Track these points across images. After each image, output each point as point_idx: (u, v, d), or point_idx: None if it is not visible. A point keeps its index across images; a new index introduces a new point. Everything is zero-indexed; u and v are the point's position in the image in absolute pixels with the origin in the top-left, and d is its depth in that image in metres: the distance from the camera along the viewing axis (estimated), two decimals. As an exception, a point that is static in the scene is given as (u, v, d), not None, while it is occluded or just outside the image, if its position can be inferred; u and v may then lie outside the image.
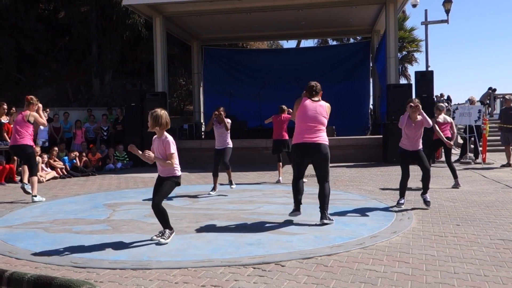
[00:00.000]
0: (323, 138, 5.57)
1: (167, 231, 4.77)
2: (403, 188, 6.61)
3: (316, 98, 5.65)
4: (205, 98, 19.06)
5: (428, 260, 4.03)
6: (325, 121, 5.63)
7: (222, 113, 8.05)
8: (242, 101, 17.23)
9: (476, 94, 16.37)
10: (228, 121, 8.07)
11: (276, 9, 14.64)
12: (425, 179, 6.49)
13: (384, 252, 4.29)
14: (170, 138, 4.73)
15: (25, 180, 7.91)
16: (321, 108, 5.61)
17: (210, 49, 19.34)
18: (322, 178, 5.63)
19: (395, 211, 6.19)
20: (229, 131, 8.10)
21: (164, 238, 4.70)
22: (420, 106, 6.48)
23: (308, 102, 5.62)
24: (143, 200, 7.56)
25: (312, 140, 5.51)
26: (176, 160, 4.74)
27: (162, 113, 4.70)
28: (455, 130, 8.77)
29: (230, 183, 8.20)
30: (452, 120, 8.87)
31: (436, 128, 8.46)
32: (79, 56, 20.27)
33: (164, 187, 4.72)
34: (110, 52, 19.72)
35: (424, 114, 6.43)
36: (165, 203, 7.10)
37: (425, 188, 6.51)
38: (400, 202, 6.55)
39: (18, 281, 1.51)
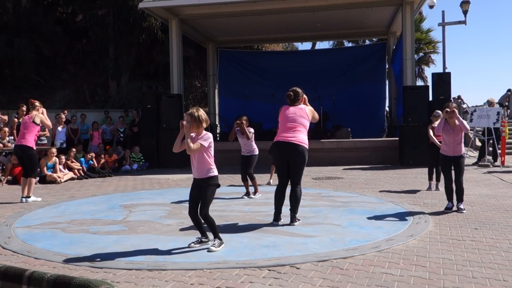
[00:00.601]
0: (300, 139, 5.57)
1: (217, 240, 4.60)
2: (448, 192, 6.52)
3: (296, 104, 5.74)
4: (220, 100, 19.13)
5: (446, 264, 3.98)
6: (305, 122, 5.65)
7: (244, 122, 7.88)
8: (257, 103, 17.23)
9: (495, 96, 16.16)
10: (250, 130, 7.94)
11: (292, 11, 14.62)
12: (457, 192, 6.43)
13: (400, 255, 4.26)
14: (210, 135, 4.59)
15: (25, 194, 7.90)
16: (300, 110, 5.68)
17: (225, 51, 19.40)
18: (294, 181, 5.65)
19: (411, 213, 6.13)
20: (253, 139, 7.99)
21: (215, 246, 4.53)
22: (457, 111, 6.37)
23: (286, 106, 5.80)
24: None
25: (288, 139, 5.57)
26: (211, 160, 4.58)
27: (201, 112, 4.53)
28: None
29: (254, 192, 7.99)
30: None
31: (429, 133, 8.37)
32: (96, 59, 20.54)
33: (206, 194, 4.53)
34: (127, 54, 19.93)
35: (461, 119, 6.30)
36: (180, 205, 7.16)
37: (458, 199, 6.45)
38: (448, 206, 6.48)
39: (38, 281, 1.53)
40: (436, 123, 8.54)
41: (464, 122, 6.33)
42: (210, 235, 4.70)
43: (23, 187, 7.91)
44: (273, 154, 5.89)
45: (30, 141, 7.84)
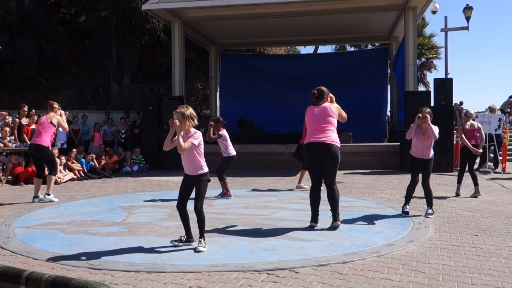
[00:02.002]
0: (331, 138, 5.53)
1: (203, 240, 4.68)
2: (409, 193, 6.59)
3: (321, 103, 5.69)
4: (222, 102, 19.15)
5: (445, 270, 3.97)
6: (332, 120, 5.62)
7: (213, 124, 8.15)
8: (258, 106, 17.25)
9: (496, 102, 16.12)
10: (221, 133, 8.09)
11: (294, 14, 14.65)
12: (425, 195, 6.51)
13: (400, 261, 4.24)
14: (200, 134, 4.74)
15: (38, 193, 7.86)
16: (325, 109, 5.65)
17: (228, 54, 19.43)
18: (328, 181, 5.61)
19: (411, 219, 6.11)
20: (226, 141, 8.14)
21: (202, 246, 4.61)
22: (429, 117, 6.35)
23: (311, 107, 5.78)
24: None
25: (319, 140, 5.53)
26: (202, 157, 4.72)
27: (191, 110, 4.70)
28: (483, 136, 8.57)
29: (223, 194, 8.15)
30: (480, 126, 8.55)
31: (462, 137, 8.29)
32: (98, 60, 20.56)
33: (200, 190, 4.67)
34: (129, 56, 19.95)
35: (431, 126, 6.30)
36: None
37: (427, 203, 6.52)
38: (405, 210, 6.53)
39: (36, 281, 1.53)
40: (467, 124, 8.43)
41: (435, 129, 6.31)
42: (196, 237, 4.72)
43: (37, 187, 7.88)
44: (304, 156, 5.82)
45: (46, 140, 7.83)
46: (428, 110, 6.49)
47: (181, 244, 4.81)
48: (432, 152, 6.52)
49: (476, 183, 8.21)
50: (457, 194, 8.30)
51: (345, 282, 3.66)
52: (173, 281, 3.73)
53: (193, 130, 4.71)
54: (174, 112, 4.69)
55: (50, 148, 7.98)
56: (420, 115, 6.40)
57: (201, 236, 4.69)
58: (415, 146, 6.52)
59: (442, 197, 8.09)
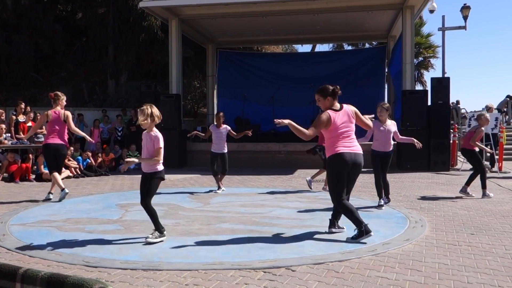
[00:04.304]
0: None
1: (157, 232, 4.90)
2: (379, 188, 7.03)
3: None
4: (219, 101, 19.11)
5: (441, 269, 3.98)
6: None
7: (203, 135, 9.01)
8: (255, 104, 17.23)
9: (493, 102, 16.21)
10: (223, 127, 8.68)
11: (292, 13, 14.64)
12: (385, 188, 7.17)
13: (396, 259, 4.25)
14: (158, 133, 4.98)
15: (62, 186, 7.75)
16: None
17: (225, 52, 19.40)
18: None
19: (408, 218, 6.12)
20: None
21: (151, 238, 4.81)
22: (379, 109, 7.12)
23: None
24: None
25: None
26: (160, 156, 4.89)
27: (150, 107, 4.98)
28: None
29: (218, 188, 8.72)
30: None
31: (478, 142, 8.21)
32: (95, 57, 20.51)
33: (150, 186, 4.90)
34: (126, 53, 19.90)
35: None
36: (177, 205, 7.14)
37: (386, 193, 7.12)
38: (380, 203, 6.93)
39: (32, 279, 1.52)
40: (483, 127, 8.22)
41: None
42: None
43: (56, 183, 7.78)
44: None
45: (65, 139, 7.79)
46: (387, 105, 7.30)
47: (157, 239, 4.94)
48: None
49: (484, 186, 8.12)
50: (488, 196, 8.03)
51: (342, 281, 3.66)
52: (169, 279, 3.73)
53: (154, 129, 4.98)
54: (139, 110, 4.98)
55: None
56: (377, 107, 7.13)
57: (156, 228, 4.91)
58: (377, 140, 7.40)
59: (439, 197, 8.11)
